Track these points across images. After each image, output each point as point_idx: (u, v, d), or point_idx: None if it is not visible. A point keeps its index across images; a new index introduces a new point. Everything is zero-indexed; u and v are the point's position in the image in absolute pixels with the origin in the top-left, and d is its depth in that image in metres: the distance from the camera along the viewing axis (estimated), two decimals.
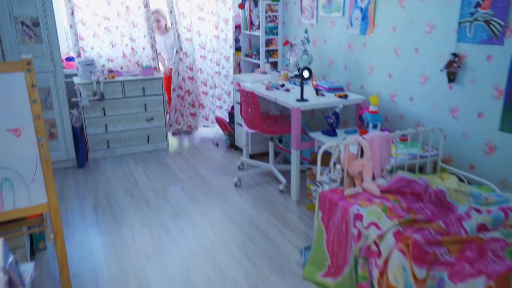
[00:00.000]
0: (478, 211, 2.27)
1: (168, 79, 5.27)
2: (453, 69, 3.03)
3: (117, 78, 4.64)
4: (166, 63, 5.40)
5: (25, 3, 3.76)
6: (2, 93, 2.04)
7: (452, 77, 3.07)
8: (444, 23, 3.13)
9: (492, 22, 2.74)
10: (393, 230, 2.18)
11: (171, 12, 5.04)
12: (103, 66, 4.82)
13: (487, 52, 2.83)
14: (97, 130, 4.69)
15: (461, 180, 2.79)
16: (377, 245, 2.19)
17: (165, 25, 5.15)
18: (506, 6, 2.63)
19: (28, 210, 2.19)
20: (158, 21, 4.95)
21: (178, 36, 5.11)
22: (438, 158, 3.09)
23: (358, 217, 2.33)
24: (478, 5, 2.81)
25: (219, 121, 5.33)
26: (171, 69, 5.25)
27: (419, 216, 2.35)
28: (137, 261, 2.84)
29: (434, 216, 2.39)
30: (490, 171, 2.93)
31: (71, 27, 4.60)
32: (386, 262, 2.11)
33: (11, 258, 1.41)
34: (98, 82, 4.47)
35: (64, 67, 4.34)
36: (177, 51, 5.09)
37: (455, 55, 3.01)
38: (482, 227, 2.17)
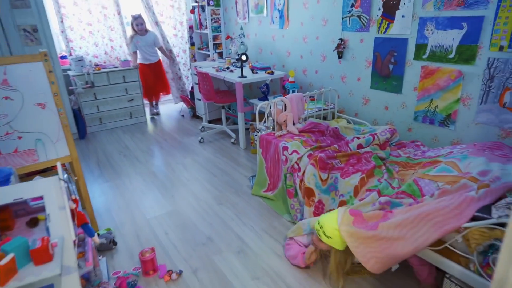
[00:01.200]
0: (358, 138, 2.62)
1: (141, 71, 4.90)
2: (341, 50, 3.30)
3: (103, 70, 4.60)
4: (138, 60, 4.86)
5: (25, 13, 3.66)
6: (28, 78, 2.07)
7: (340, 55, 3.34)
8: (333, 18, 3.34)
9: (362, 16, 3.03)
10: (307, 153, 2.49)
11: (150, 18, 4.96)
12: (90, 61, 4.76)
13: (360, 37, 3.13)
14: (91, 110, 4.65)
15: (349, 122, 3.11)
16: (297, 164, 2.49)
17: (145, 28, 4.71)
18: (369, 5, 2.93)
19: (57, 161, 2.15)
20: (141, 24, 4.60)
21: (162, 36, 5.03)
22: (334, 110, 3.38)
23: (285, 148, 2.60)
24: (352, 5, 3.07)
25: (183, 98, 5.31)
26: (141, 64, 4.90)
27: (323, 144, 2.66)
28: (135, 196, 3.02)
29: (332, 143, 2.70)
30: (366, 115, 3.26)
31: (62, 32, 4.52)
32: (303, 173, 2.40)
33: (65, 175, 1.70)
34: (88, 73, 4.45)
35: (60, 64, 4.24)
36: (161, 47, 4.94)
37: (341, 40, 3.28)
38: (360, 146, 2.56)
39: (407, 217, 1.67)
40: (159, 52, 5.07)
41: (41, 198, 1.45)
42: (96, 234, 1.59)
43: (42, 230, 1.43)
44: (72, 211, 1.43)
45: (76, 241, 1.45)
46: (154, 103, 5.35)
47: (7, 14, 3.58)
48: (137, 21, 4.55)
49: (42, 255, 1.17)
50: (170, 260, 2.25)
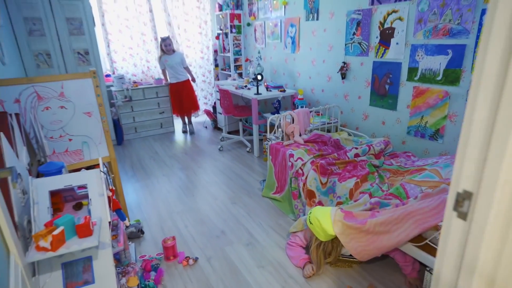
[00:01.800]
0: (356, 148, 2.66)
1: (171, 89, 4.79)
2: (344, 71, 3.35)
3: (139, 87, 4.76)
4: (169, 79, 4.73)
5: (79, 39, 3.86)
6: (80, 91, 2.20)
7: (343, 76, 3.38)
8: (337, 44, 3.40)
9: (362, 43, 3.09)
10: (310, 160, 2.56)
11: (176, 41, 5.11)
12: (129, 79, 4.92)
13: (360, 61, 3.16)
14: (128, 120, 4.81)
15: (349, 134, 3.15)
16: (301, 169, 2.56)
17: (173, 48, 4.56)
18: (368, 33, 2.99)
19: (98, 160, 2.17)
20: (169, 45, 4.45)
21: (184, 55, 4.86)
22: (338, 124, 3.42)
23: (291, 155, 2.68)
24: (354, 33, 3.14)
25: (207, 112, 5.39)
26: (171, 83, 4.73)
27: (324, 152, 2.72)
28: (161, 194, 3.14)
29: (332, 152, 2.75)
30: (366, 129, 3.27)
31: (107, 54, 4.72)
32: (306, 177, 2.47)
33: (105, 168, 1.86)
34: (127, 89, 4.62)
35: (105, 81, 4.38)
36: (186, 67, 4.73)
37: (344, 63, 3.33)
38: (356, 155, 2.60)
39: (391, 215, 1.75)
40: None
41: (85, 187, 1.62)
42: (127, 218, 1.74)
43: (84, 212, 1.59)
44: (108, 198, 1.58)
45: (111, 223, 1.61)
46: (186, 120, 5.10)
47: (66, 40, 3.82)
48: (166, 42, 4.45)
49: (85, 230, 1.32)
50: (188, 248, 2.36)
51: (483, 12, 2.15)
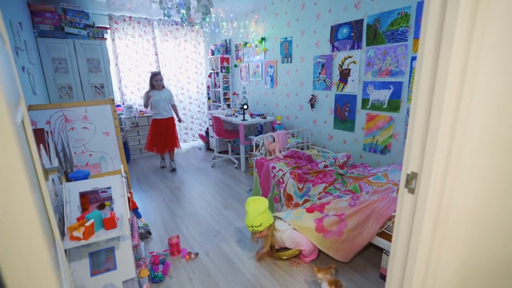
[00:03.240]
0: (324, 161, 2.76)
1: (153, 125, 3.90)
2: (313, 102, 3.45)
3: (145, 115, 4.75)
4: (153, 115, 3.89)
5: (96, 76, 3.85)
6: (100, 115, 2.26)
7: (312, 106, 3.48)
8: (307, 81, 3.52)
9: (326, 80, 3.23)
10: (289, 171, 2.60)
11: (168, 79, 4.99)
12: (136, 108, 4.83)
13: (325, 94, 3.29)
14: (135, 143, 4.75)
15: (318, 151, 3.22)
16: (282, 178, 2.59)
17: (163, 84, 3.83)
18: (330, 73, 3.13)
19: (113, 172, 2.29)
20: (160, 80, 3.77)
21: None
22: (309, 143, 3.48)
23: (273, 167, 2.71)
24: (320, 73, 3.29)
25: (201, 136, 5.32)
26: (155, 119, 3.87)
27: (300, 165, 2.76)
28: (165, 202, 3.10)
29: (306, 164, 2.79)
30: (331, 147, 3.34)
31: (119, 88, 4.68)
32: (286, 184, 2.51)
33: (124, 174, 1.86)
34: (134, 117, 4.61)
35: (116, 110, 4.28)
36: (173, 105, 3.98)
37: (313, 95, 3.44)
38: (325, 166, 2.69)
39: (358, 220, 1.84)
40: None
41: (106, 191, 1.63)
42: (142, 217, 1.73)
43: (107, 212, 1.59)
44: (128, 198, 1.60)
45: (130, 219, 1.61)
46: (170, 159, 4.20)
47: (85, 76, 3.83)
48: (156, 77, 3.77)
49: (110, 223, 1.33)
50: (190, 245, 2.33)
51: (413, 58, 2.39)
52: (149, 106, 3.89)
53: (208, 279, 1.95)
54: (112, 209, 1.50)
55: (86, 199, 1.58)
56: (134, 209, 1.69)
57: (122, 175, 1.59)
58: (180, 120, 4.14)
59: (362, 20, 2.76)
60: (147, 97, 3.81)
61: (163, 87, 3.93)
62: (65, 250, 1.33)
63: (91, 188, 1.49)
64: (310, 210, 2.05)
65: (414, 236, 0.83)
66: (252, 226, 1.98)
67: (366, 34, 2.73)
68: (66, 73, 3.67)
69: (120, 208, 1.50)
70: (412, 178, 0.83)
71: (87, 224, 1.23)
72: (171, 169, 4.16)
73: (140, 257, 2.02)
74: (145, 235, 2.45)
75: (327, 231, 1.90)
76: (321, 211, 2.00)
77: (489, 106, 0.75)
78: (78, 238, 1.22)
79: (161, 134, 3.95)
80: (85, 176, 1.62)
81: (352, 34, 2.88)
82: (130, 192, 1.66)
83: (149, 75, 4.22)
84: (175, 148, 4.14)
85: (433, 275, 0.84)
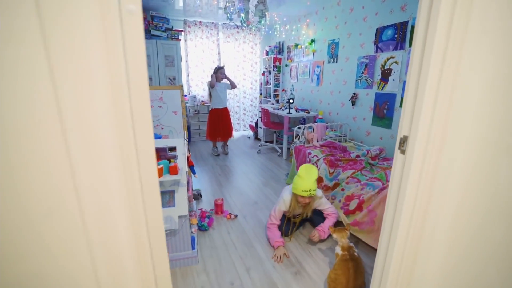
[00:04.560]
0: (357, 151, 2.84)
1: (212, 114, 4.08)
2: (354, 100, 3.45)
3: (205, 104, 5.13)
4: (212, 104, 4.06)
5: (171, 70, 4.33)
6: (172, 97, 2.48)
7: (353, 103, 3.48)
8: (350, 80, 3.53)
9: (368, 79, 3.22)
10: (322, 157, 2.71)
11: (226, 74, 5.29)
12: (199, 99, 5.25)
13: (366, 92, 3.28)
14: (195, 127, 5.14)
15: (354, 144, 3.26)
16: (316, 163, 2.70)
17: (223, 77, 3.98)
18: (372, 72, 3.12)
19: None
20: (223, 73, 3.95)
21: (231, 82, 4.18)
22: (347, 137, 3.49)
23: (310, 153, 2.84)
24: (362, 72, 3.29)
25: (251, 126, 5.57)
26: (213, 109, 4.05)
27: (334, 153, 2.84)
28: (215, 176, 3.42)
29: (340, 153, 2.85)
30: (368, 143, 3.30)
31: (187, 81, 5.16)
32: (319, 169, 2.61)
33: (186, 139, 2.23)
34: (197, 105, 5.04)
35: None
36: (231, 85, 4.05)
37: (354, 93, 3.44)
38: (358, 156, 2.72)
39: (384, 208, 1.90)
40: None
41: (173, 150, 2.00)
42: (196, 173, 2.08)
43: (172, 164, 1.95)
44: (187, 157, 1.95)
45: (187, 172, 1.96)
46: (223, 144, 4.46)
47: (162, 70, 4.38)
48: (222, 70, 3.96)
49: (174, 170, 1.68)
50: (231, 209, 2.62)
51: None
52: (208, 98, 4.10)
53: (243, 235, 2.22)
54: (176, 162, 1.86)
55: (158, 154, 1.98)
56: (190, 167, 2.03)
57: (184, 139, 1.95)
58: (234, 86, 4.07)
59: (407, 22, 2.72)
60: (212, 88, 4.00)
61: (222, 79, 4.05)
62: None
63: (162, 145, 1.88)
64: (348, 213, 2.15)
65: (402, 187, 0.97)
66: (310, 190, 1.84)
67: (410, 35, 2.69)
68: (149, 67, 4.30)
69: (181, 163, 1.86)
70: (404, 141, 0.97)
71: (159, 167, 1.60)
72: (224, 153, 4.39)
73: (192, 210, 2.40)
74: (197, 196, 2.83)
75: (360, 223, 1.99)
76: (361, 210, 2.07)
77: (471, 82, 0.85)
78: None
79: (219, 123, 4.11)
80: (159, 137, 2.02)
81: (396, 35, 2.85)
82: (189, 154, 2.01)
83: (211, 71, 4.66)
84: (229, 138, 4.31)
85: (420, 223, 0.97)
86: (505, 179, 0.89)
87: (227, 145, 4.43)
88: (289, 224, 2.13)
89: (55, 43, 0.43)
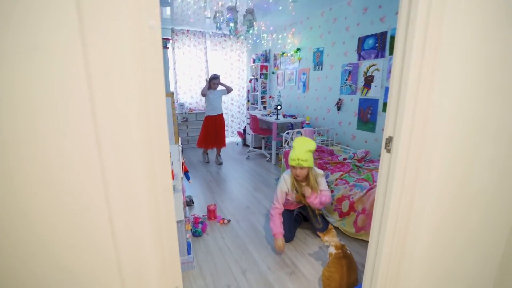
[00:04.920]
0: (344, 155, 3.00)
1: (206, 121, 4.02)
2: (339, 105, 3.59)
3: (193, 112, 5.17)
4: (206, 112, 4.01)
5: None
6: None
7: (338, 109, 3.62)
8: (335, 86, 3.67)
9: (352, 85, 3.37)
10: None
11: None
12: (187, 106, 5.30)
13: (350, 98, 3.42)
14: (184, 134, 5.15)
15: (341, 148, 3.39)
16: None
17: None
18: (356, 79, 3.28)
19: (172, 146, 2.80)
20: (218, 84, 3.88)
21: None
22: (333, 142, 3.62)
23: None
24: (346, 79, 3.44)
25: (239, 133, 5.58)
26: (208, 116, 3.99)
27: (323, 157, 2.96)
28: (205, 182, 3.44)
29: (328, 156, 2.99)
30: (354, 146, 3.43)
31: (175, 89, 5.17)
32: None
33: (181, 146, 2.27)
34: (185, 113, 5.04)
35: None
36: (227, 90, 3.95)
37: (339, 99, 3.58)
38: (345, 159, 2.84)
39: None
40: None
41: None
42: (190, 179, 2.11)
43: None
44: (182, 163, 1.98)
45: (182, 178, 1.99)
46: (216, 154, 4.31)
47: None
48: (216, 80, 3.88)
49: (173, 174, 1.72)
50: (223, 214, 2.65)
51: None
52: (205, 104, 4.03)
53: (237, 239, 2.26)
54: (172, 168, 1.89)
55: None
56: (185, 172, 2.07)
57: (179, 145, 1.98)
58: (229, 89, 3.99)
59: (386, 32, 2.91)
60: (205, 91, 3.92)
61: (216, 87, 3.96)
62: None
63: None
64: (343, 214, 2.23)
65: (389, 182, 1.06)
66: (298, 159, 1.80)
67: (390, 44, 2.88)
68: None
69: (176, 169, 1.89)
70: (389, 141, 1.07)
71: None
72: (218, 163, 4.22)
73: (185, 216, 2.41)
74: (189, 203, 2.84)
75: (364, 227, 2.06)
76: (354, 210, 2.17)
77: (445, 88, 0.97)
78: None
79: (213, 130, 4.02)
80: None
81: (377, 44, 3.04)
82: (183, 160, 2.05)
83: (199, 79, 4.77)
84: (222, 147, 4.19)
85: (406, 216, 1.06)
86: (477, 172, 1.01)
87: (220, 155, 4.31)
88: (295, 224, 2.15)
89: (94, 51, 0.48)
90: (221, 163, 4.26)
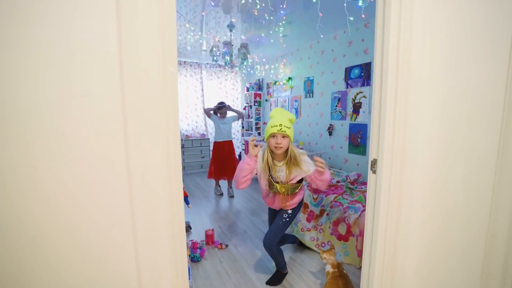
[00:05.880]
0: (337, 178, 3.04)
1: (215, 148, 3.79)
2: (330, 130, 3.72)
3: (190, 138, 5.27)
4: (214, 137, 3.83)
5: None
6: None
7: (330, 133, 3.75)
8: (326, 112, 3.80)
9: (341, 111, 3.53)
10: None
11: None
12: (183, 133, 5.38)
13: (341, 123, 3.57)
14: None
15: (334, 171, 3.43)
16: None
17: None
18: (345, 105, 3.45)
19: None
20: (225, 112, 3.74)
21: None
22: (327, 165, 3.84)
23: None
24: (336, 105, 3.62)
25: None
26: (215, 142, 3.78)
27: None
28: (202, 208, 3.44)
29: None
30: (346, 169, 3.53)
31: None
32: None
33: None
34: (181, 139, 5.04)
35: None
36: (239, 116, 3.86)
37: (330, 125, 3.73)
38: (338, 181, 2.86)
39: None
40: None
41: None
42: (190, 203, 2.17)
43: None
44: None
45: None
46: (228, 186, 3.97)
47: None
48: (222, 110, 3.71)
49: None
50: (221, 239, 2.66)
51: None
52: (214, 130, 3.84)
53: (235, 263, 2.27)
54: None
55: None
56: (184, 197, 2.13)
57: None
58: (241, 116, 3.88)
59: (370, 63, 3.18)
60: (208, 112, 3.78)
61: (225, 115, 3.81)
62: None
63: None
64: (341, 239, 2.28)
65: (377, 200, 1.18)
66: (281, 125, 1.55)
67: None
68: None
69: None
70: (374, 163, 1.20)
71: None
72: (230, 196, 3.87)
73: None
74: (187, 228, 2.86)
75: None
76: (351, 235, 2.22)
77: (418, 115, 1.12)
78: None
79: (221, 158, 3.74)
80: None
81: (362, 74, 3.29)
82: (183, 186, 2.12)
83: (195, 106, 4.89)
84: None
85: (394, 227, 1.16)
86: (453, 188, 1.13)
87: (231, 188, 3.92)
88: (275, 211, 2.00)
89: (130, 98, 0.61)
90: (232, 196, 3.86)
